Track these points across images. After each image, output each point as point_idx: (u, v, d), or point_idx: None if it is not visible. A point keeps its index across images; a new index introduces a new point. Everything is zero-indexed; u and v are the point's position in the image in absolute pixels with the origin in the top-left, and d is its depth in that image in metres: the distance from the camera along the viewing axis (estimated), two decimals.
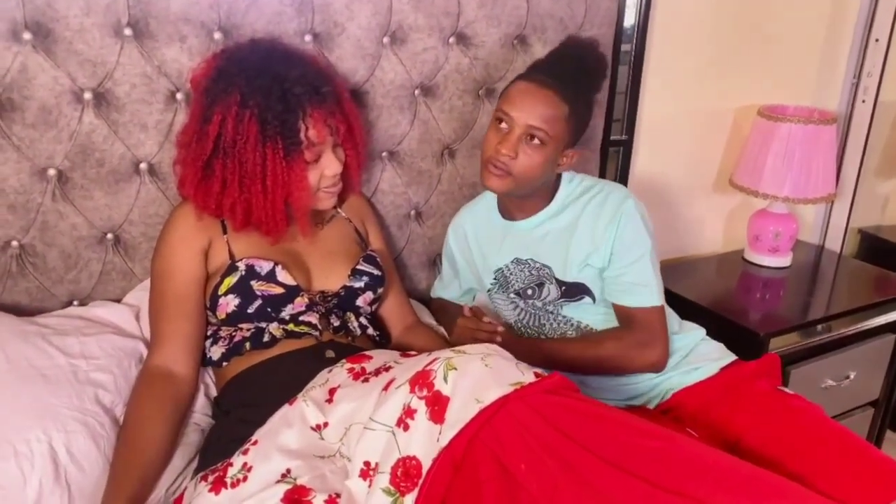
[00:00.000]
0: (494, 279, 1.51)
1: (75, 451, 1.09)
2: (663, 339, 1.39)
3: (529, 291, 1.46)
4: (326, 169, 1.26)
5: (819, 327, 1.89)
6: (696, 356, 1.46)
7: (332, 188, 1.30)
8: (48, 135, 1.28)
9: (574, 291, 1.43)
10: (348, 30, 1.46)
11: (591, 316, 1.45)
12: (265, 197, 1.21)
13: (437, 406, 0.94)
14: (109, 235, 1.39)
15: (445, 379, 0.96)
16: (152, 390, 1.18)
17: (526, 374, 0.98)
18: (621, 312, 1.41)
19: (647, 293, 1.38)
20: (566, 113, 1.32)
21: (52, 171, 1.31)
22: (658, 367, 1.40)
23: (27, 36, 1.22)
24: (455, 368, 0.97)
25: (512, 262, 1.47)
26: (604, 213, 1.39)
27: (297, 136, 1.20)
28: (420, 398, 0.96)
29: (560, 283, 1.43)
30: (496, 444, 0.92)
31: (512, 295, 1.50)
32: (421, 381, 0.97)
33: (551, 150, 1.34)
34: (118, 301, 1.42)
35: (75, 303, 1.40)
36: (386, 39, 1.51)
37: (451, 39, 1.58)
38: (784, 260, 2.15)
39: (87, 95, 1.29)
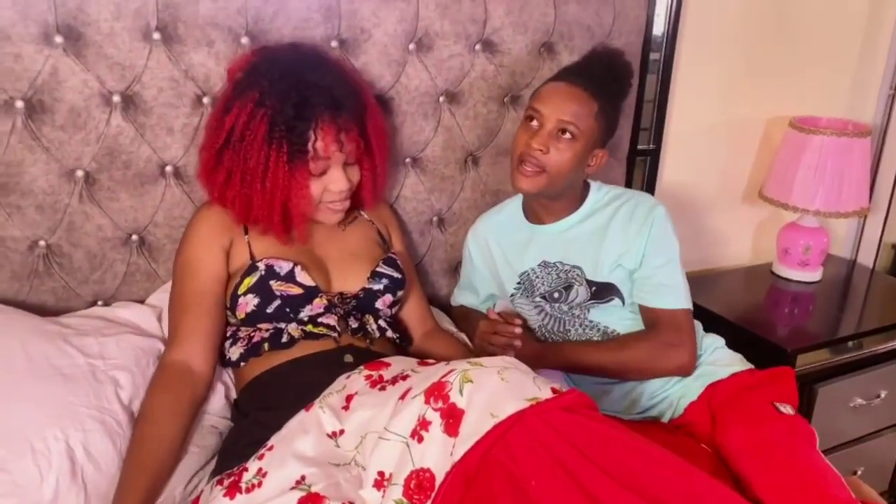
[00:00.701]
0: (519, 283, 1.50)
1: (92, 449, 1.10)
2: (691, 342, 1.39)
3: (556, 294, 1.46)
4: (331, 184, 1.26)
5: (849, 344, 1.85)
6: (708, 362, 1.44)
7: (337, 204, 1.29)
8: (77, 137, 1.30)
9: (604, 292, 1.43)
10: (374, 36, 1.46)
11: (618, 320, 1.45)
12: (263, 196, 1.22)
13: (452, 419, 0.93)
14: (134, 237, 1.40)
15: (461, 391, 0.95)
16: (169, 385, 1.18)
17: (543, 390, 0.97)
18: (648, 314, 1.41)
19: (675, 295, 1.39)
20: (595, 110, 1.35)
21: (79, 173, 1.32)
22: (685, 370, 1.39)
23: (58, 39, 1.24)
24: (471, 381, 0.96)
25: (539, 265, 1.47)
26: (636, 217, 1.41)
27: (305, 144, 1.20)
28: (435, 410, 0.95)
29: (590, 283, 1.43)
30: (510, 459, 0.90)
31: (537, 299, 1.49)
32: (436, 392, 0.96)
33: (581, 147, 1.35)
34: (142, 302, 1.43)
35: (100, 303, 1.42)
36: (412, 46, 1.51)
37: (478, 46, 1.57)
38: (814, 274, 2.10)
39: (116, 98, 1.31)
